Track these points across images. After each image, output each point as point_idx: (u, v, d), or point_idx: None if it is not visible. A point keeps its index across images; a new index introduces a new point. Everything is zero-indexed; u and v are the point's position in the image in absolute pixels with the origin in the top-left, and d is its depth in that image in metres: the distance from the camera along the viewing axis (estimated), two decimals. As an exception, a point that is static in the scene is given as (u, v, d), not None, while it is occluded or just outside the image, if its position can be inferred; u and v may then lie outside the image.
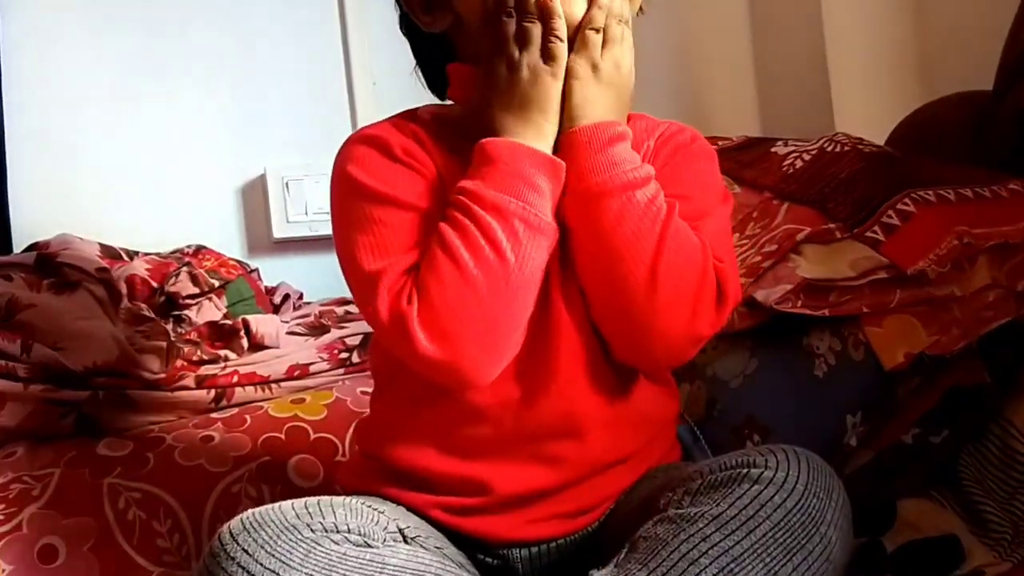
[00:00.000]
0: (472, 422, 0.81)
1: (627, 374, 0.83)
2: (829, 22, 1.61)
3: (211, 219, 1.75)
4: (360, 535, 0.73)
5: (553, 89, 0.78)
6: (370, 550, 0.72)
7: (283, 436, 1.10)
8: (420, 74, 0.91)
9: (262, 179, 1.80)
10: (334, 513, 0.73)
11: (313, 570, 0.69)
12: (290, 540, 0.70)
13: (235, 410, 1.16)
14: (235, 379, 1.19)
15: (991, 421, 1.06)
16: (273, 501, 1.02)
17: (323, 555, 0.70)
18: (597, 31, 0.79)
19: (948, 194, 1.08)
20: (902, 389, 1.03)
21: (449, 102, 0.89)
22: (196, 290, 1.34)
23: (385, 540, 0.74)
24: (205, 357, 1.21)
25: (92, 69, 1.70)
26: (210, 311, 1.32)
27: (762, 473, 0.70)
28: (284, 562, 0.68)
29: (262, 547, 0.69)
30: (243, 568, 0.68)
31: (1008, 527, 1.00)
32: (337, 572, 0.69)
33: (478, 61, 0.81)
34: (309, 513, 0.72)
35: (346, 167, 0.82)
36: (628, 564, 0.69)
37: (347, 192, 0.82)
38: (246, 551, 0.69)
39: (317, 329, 1.33)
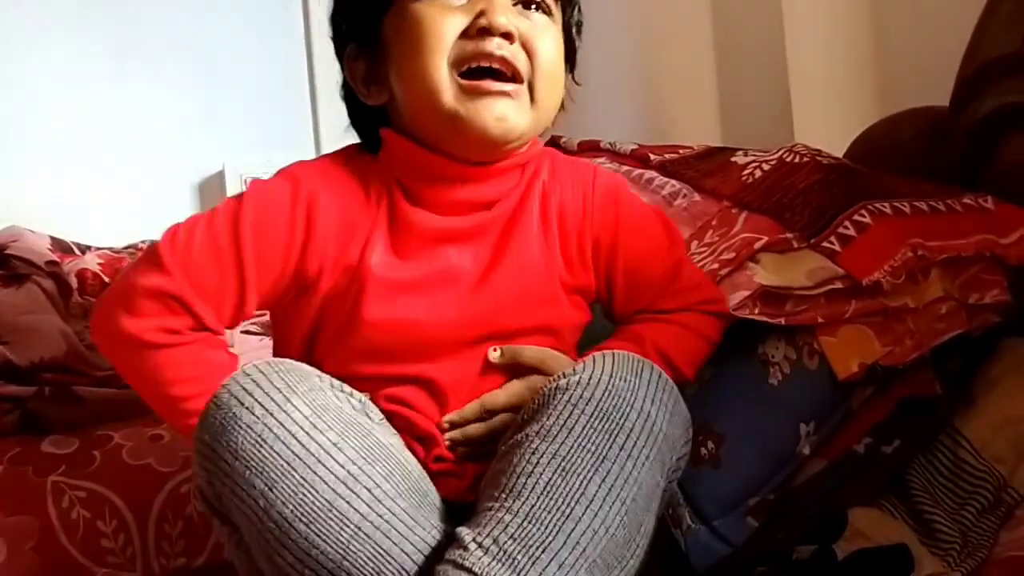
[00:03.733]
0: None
1: None
2: (791, 35, 1.62)
3: (167, 214, 1.71)
4: (361, 406, 0.81)
5: None
6: (364, 417, 0.79)
7: (234, 436, 1.08)
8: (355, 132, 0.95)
9: (220, 176, 1.79)
10: (343, 384, 0.81)
11: (312, 402, 0.74)
12: (300, 375, 0.77)
13: (186, 409, 1.14)
14: (187, 377, 1.17)
15: (942, 432, 1.08)
16: (222, 502, 1.02)
17: (324, 398, 0.76)
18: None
19: (903, 207, 1.10)
20: (855, 399, 1.04)
21: None
22: (149, 286, 1.31)
23: (379, 424, 0.81)
24: (156, 354, 1.19)
25: (48, 58, 1.67)
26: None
27: (569, 379, 0.76)
28: (291, 387, 0.74)
29: (276, 371, 0.75)
30: (256, 384, 0.74)
31: (957, 537, 1.01)
32: (330, 415, 0.75)
33: (409, 133, 0.87)
34: (319, 376, 0.79)
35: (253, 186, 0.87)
36: (481, 505, 0.73)
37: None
38: (261, 372, 0.75)
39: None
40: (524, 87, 0.85)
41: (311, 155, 1.87)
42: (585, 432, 0.73)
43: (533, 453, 0.73)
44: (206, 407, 0.76)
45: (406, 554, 0.72)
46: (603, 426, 0.73)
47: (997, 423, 1.06)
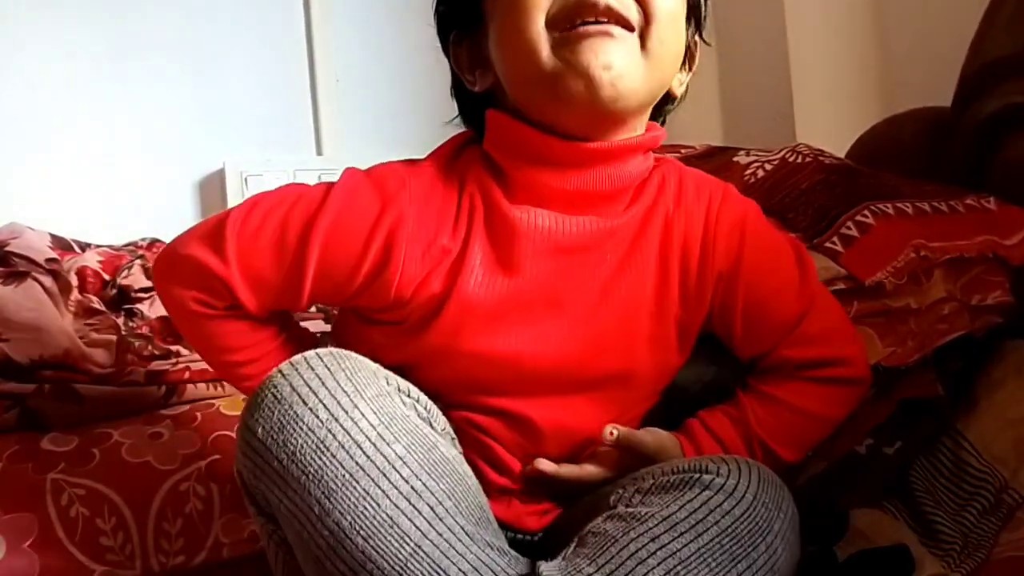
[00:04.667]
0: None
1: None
2: (793, 35, 1.62)
3: (167, 212, 1.73)
4: (427, 415, 0.76)
5: None
6: (430, 428, 0.74)
7: (234, 434, 1.08)
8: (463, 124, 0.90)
9: (220, 173, 1.79)
10: (410, 387, 0.76)
11: (380, 410, 0.70)
12: (367, 376, 0.72)
13: (186, 407, 1.14)
14: (187, 375, 1.17)
15: (943, 433, 1.08)
16: (222, 501, 1.02)
17: (391, 405, 0.71)
18: None
19: (906, 207, 1.09)
20: (857, 400, 1.04)
21: None
22: (149, 283, 1.31)
23: (441, 434, 0.76)
24: (156, 352, 1.19)
25: (48, 55, 1.67)
26: (162, 305, 1.30)
27: (713, 479, 0.71)
28: (359, 391, 0.70)
29: (343, 369, 0.71)
30: (321, 382, 0.70)
31: (958, 538, 1.01)
32: (397, 425, 0.70)
33: (513, 114, 0.81)
34: (386, 377, 0.74)
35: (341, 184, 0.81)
36: (576, 559, 0.69)
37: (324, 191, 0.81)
38: (327, 368, 0.71)
39: (272, 327, 1.31)
40: (633, 35, 0.76)
41: (311, 153, 1.88)
42: (711, 545, 0.68)
43: (652, 541, 0.68)
44: (259, 395, 0.71)
45: (463, 572, 0.68)
46: (731, 548, 0.68)
47: (999, 424, 1.06)
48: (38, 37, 1.66)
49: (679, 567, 0.67)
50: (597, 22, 0.75)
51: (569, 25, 0.75)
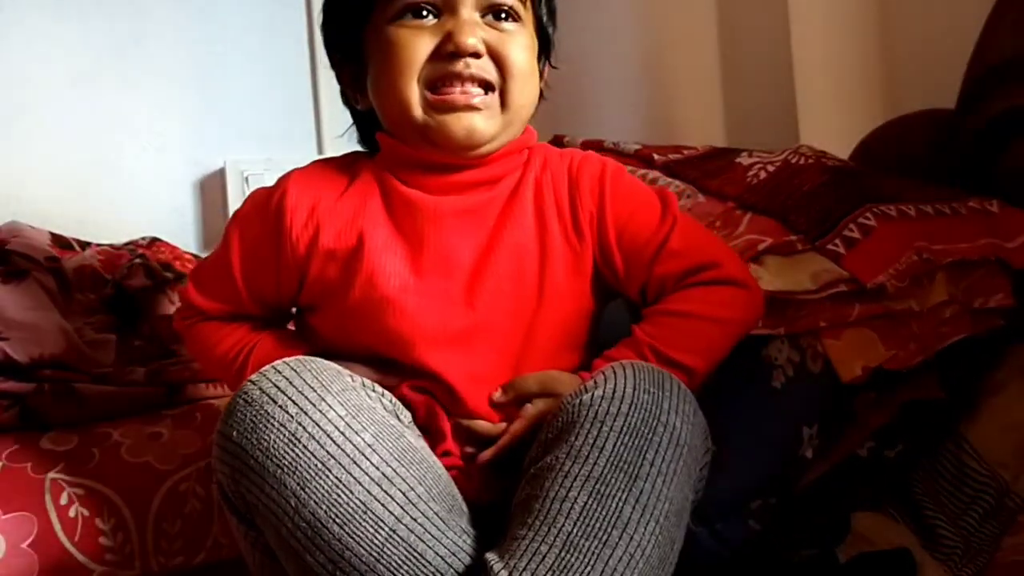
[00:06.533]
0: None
1: None
2: (796, 36, 1.62)
3: (167, 211, 1.73)
4: (392, 407, 0.83)
5: None
6: (396, 420, 0.80)
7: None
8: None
9: (221, 172, 1.78)
10: (374, 384, 0.83)
11: (347, 402, 0.75)
12: (332, 374, 0.77)
13: (185, 407, 1.14)
14: (186, 375, 1.17)
15: (945, 437, 1.08)
16: (222, 501, 1.02)
17: (358, 398, 0.76)
18: None
19: (909, 210, 1.09)
20: (859, 402, 1.04)
21: None
22: (149, 283, 1.31)
23: (408, 426, 0.82)
24: (156, 352, 1.19)
25: (48, 52, 1.67)
26: (163, 304, 1.30)
27: (592, 395, 0.75)
28: (325, 386, 0.75)
29: (309, 369, 0.75)
30: (289, 382, 0.74)
31: (959, 542, 1.01)
32: (364, 416, 0.75)
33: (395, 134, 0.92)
34: (351, 376, 0.81)
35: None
36: (512, 530, 0.72)
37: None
38: (293, 370, 0.75)
39: (273, 326, 1.31)
40: (495, 95, 0.88)
41: (312, 153, 1.88)
42: (616, 450, 0.72)
43: (565, 476, 0.72)
44: (231, 404, 0.75)
45: (440, 557, 0.71)
46: (633, 443, 0.72)
47: (1001, 428, 1.06)
48: (38, 35, 1.66)
49: (597, 484, 0.71)
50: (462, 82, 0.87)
51: (441, 86, 0.87)
